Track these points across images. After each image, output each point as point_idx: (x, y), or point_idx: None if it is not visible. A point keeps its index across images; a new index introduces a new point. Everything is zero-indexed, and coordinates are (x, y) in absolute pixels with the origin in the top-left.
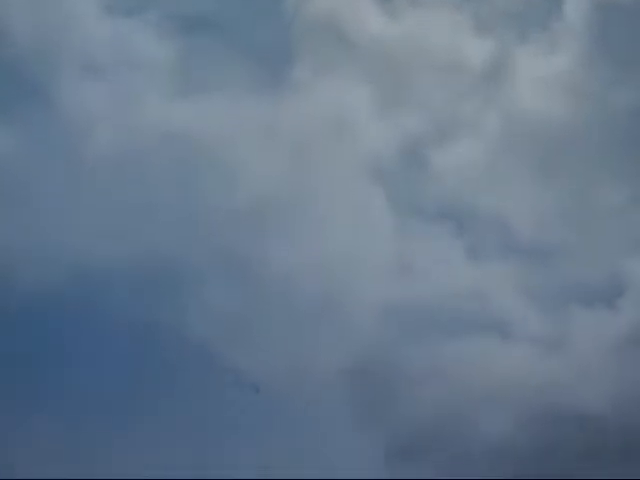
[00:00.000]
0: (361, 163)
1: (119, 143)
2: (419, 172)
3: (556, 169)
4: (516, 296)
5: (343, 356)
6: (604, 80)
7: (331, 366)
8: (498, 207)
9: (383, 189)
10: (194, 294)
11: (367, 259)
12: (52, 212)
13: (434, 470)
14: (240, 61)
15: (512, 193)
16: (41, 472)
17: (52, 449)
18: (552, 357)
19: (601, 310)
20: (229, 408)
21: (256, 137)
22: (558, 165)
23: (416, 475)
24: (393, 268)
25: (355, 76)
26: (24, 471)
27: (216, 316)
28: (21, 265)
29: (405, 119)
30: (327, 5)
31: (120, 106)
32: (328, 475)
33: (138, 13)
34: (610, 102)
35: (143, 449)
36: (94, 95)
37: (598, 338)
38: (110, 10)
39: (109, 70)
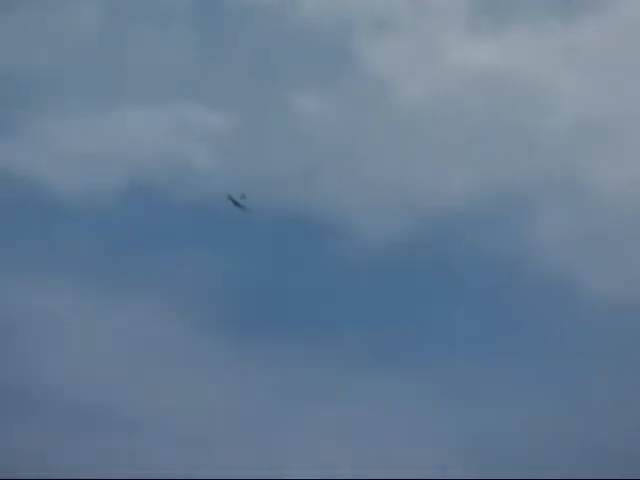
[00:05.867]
0: None
1: (427, 88)
2: None
3: None
4: None
5: None
6: None
7: None
8: None
9: None
10: (531, 220)
11: None
12: (389, 160)
13: None
14: None
15: None
16: None
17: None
18: None
19: None
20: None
21: (561, 61)
22: None
23: None
24: None
25: None
26: None
27: (559, 240)
28: (365, 216)
29: None
30: None
31: (420, 53)
32: None
33: None
34: None
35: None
36: (392, 47)
37: None
38: None
39: (402, 21)
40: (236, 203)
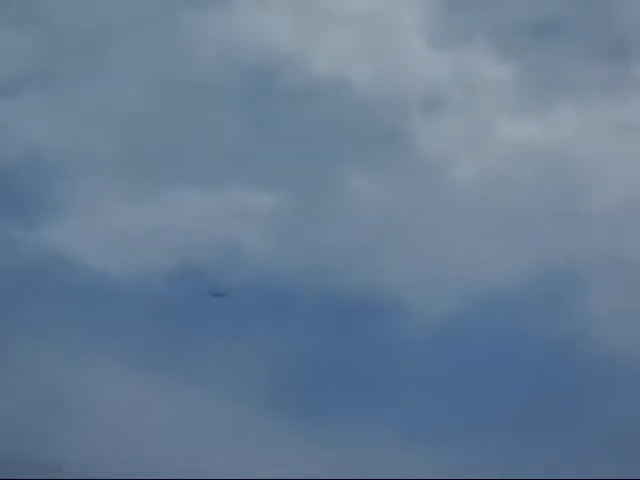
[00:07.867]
0: None
1: (477, 167)
2: None
3: None
4: None
5: None
6: None
7: None
8: None
9: None
10: (581, 300)
11: None
12: (441, 239)
13: None
14: (581, 64)
15: None
16: None
17: None
18: None
19: None
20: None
21: (609, 138)
22: None
23: None
24: None
25: None
26: None
27: (612, 316)
28: (418, 296)
29: None
30: None
31: (470, 132)
32: None
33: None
34: None
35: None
36: (442, 126)
37: None
38: (440, 43)
39: (452, 100)
40: (218, 293)
